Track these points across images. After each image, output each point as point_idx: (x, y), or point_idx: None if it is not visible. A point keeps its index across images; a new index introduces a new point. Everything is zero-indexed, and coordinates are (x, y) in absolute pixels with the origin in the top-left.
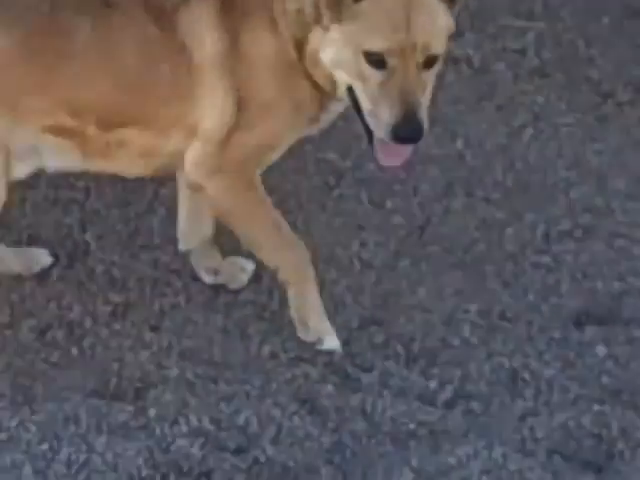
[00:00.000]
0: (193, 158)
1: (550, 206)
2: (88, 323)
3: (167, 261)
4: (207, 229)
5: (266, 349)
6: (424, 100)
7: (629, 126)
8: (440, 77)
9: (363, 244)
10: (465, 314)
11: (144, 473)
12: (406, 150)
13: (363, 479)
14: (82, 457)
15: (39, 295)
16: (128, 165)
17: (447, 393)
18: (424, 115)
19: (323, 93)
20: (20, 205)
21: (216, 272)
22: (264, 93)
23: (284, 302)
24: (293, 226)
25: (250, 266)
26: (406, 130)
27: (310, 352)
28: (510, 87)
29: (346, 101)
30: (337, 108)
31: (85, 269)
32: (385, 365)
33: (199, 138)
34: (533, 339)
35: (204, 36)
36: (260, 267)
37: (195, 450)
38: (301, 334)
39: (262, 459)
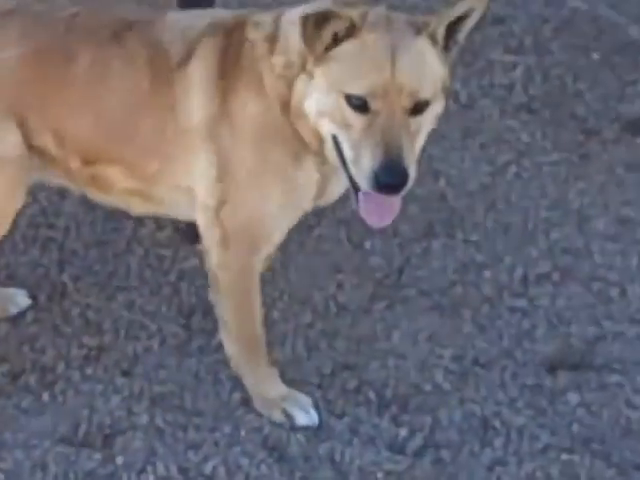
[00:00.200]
0: (201, 220)
1: (530, 248)
2: (61, 367)
3: (142, 303)
4: None
5: (237, 396)
6: (411, 146)
7: (613, 165)
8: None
9: (340, 286)
10: (439, 359)
11: None
12: (391, 206)
13: None
14: None
15: (13, 338)
16: (125, 202)
17: (417, 441)
18: (410, 162)
19: (321, 161)
20: None
21: None
22: (245, 161)
23: None
24: (269, 266)
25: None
26: (388, 176)
27: None
28: (496, 123)
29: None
30: (340, 189)
31: (61, 311)
32: (356, 412)
33: (197, 204)
34: (506, 385)
35: (193, 99)
36: None
37: None
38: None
39: None
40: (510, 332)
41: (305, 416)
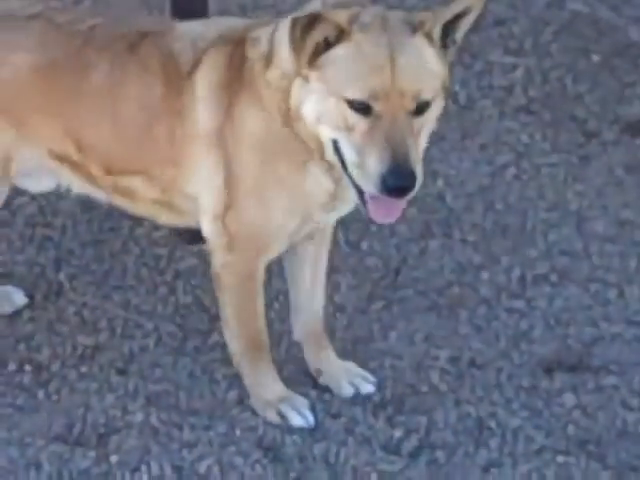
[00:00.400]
0: (206, 226)
1: (528, 249)
2: (56, 366)
3: (138, 302)
4: None
5: (232, 395)
6: (416, 148)
7: (612, 166)
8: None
9: (336, 287)
10: (435, 360)
11: None
12: (399, 203)
13: None
14: None
15: (9, 335)
16: (151, 212)
17: (412, 442)
18: (416, 164)
19: (328, 166)
20: None
21: None
22: (249, 172)
23: None
24: (267, 267)
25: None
26: (396, 179)
27: None
28: (495, 125)
29: None
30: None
31: (57, 310)
32: (352, 412)
33: (202, 210)
34: (502, 387)
35: (199, 107)
36: None
37: None
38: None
39: None
40: (507, 333)
41: (301, 418)
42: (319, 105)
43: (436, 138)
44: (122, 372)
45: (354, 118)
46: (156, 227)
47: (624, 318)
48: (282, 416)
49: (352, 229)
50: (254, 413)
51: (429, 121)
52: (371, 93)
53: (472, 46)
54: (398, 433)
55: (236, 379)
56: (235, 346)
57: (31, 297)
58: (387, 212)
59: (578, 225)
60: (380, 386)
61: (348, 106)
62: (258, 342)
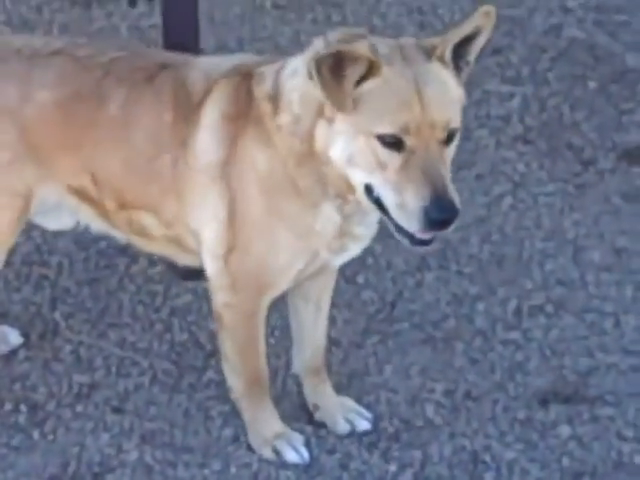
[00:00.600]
0: (209, 264)
1: (524, 279)
2: (52, 405)
3: (134, 340)
4: None
5: (227, 432)
6: (450, 178)
7: (609, 194)
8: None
9: (332, 321)
10: (430, 393)
11: None
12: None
13: None
14: None
15: (5, 375)
16: (167, 251)
17: (407, 476)
18: (455, 194)
19: (342, 203)
20: None
21: None
22: (254, 211)
23: None
24: None
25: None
26: (439, 213)
27: None
28: (491, 154)
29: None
30: (363, 229)
31: (53, 349)
32: (347, 447)
33: (204, 247)
34: (497, 419)
35: (203, 140)
36: None
37: None
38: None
39: None
40: (503, 365)
41: (295, 454)
42: (349, 146)
43: None
44: (117, 410)
45: (386, 155)
46: (152, 264)
47: (620, 348)
48: (277, 452)
49: (349, 263)
50: (249, 450)
51: (453, 148)
52: (402, 127)
53: (469, 75)
54: (393, 468)
55: (231, 416)
56: (235, 382)
57: (27, 336)
58: (429, 234)
59: (574, 254)
60: (375, 420)
61: (379, 143)
62: (258, 379)
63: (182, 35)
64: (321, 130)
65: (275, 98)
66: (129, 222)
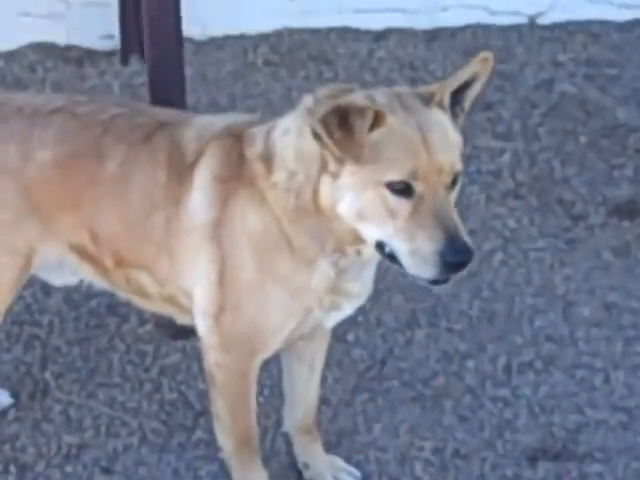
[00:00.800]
0: (200, 323)
1: (514, 335)
2: (41, 466)
3: (124, 399)
4: None
5: None
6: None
7: (599, 250)
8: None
9: (322, 379)
10: (419, 451)
11: None
12: None
13: None
14: None
15: None
16: (166, 310)
17: None
18: (467, 235)
19: (339, 257)
20: None
21: None
22: (246, 272)
23: None
24: None
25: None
26: (455, 255)
27: None
28: (482, 211)
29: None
30: (357, 286)
31: (42, 409)
32: None
33: (195, 307)
34: (485, 477)
35: (195, 200)
36: None
37: None
38: None
39: None
40: (492, 422)
41: None
42: (358, 199)
43: None
44: (106, 471)
45: (396, 202)
46: (142, 323)
47: (609, 404)
48: None
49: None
50: None
51: (457, 190)
52: (411, 172)
53: (460, 132)
54: None
55: (220, 475)
56: (225, 441)
57: (17, 396)
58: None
59: (565, 310)
60: (365, 479)
61: (389, 191)
62: (249, 438)
63: (169, 92)
64: (326, 186)
65: (267, 158)
66: (127, 280)
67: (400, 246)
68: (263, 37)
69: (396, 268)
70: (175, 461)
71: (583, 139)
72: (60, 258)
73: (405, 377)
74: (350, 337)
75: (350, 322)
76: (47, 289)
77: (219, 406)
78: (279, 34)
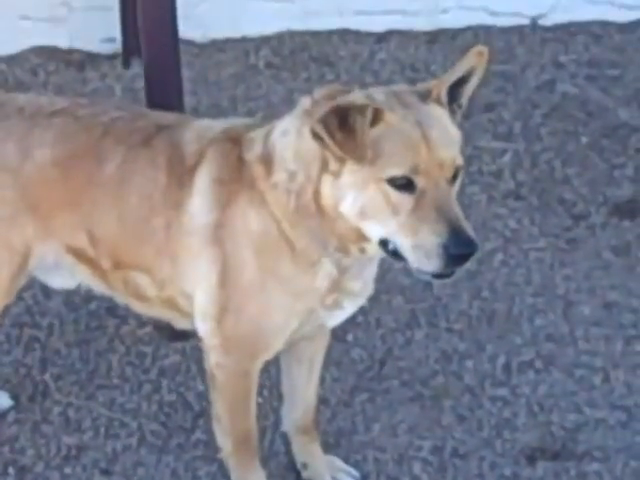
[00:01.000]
0: (201, 325)
1: (513, 335)
2: (40, 467)
3: (123, 401)
4: None
5: None
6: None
7: (599, 249)
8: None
9: (321, 380)
10: (418, 451)
11: None
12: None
13: None
14: None
15: None
16: (165, 314)
17: None
18: (470, 227)
19: (342, 256)
20: None
21: None
22: (247, 273)
23: None
24: None
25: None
26: (458, 246)
27: None
28: (483, 211)
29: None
30: (359, 284)
31: (42, 411)
32: None
33: (197, 309)
34: (484, 476)
35: (195, 203)
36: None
37: None
38: None
39: None
40: (490, 422)
41: None
42: (360, 197)
43: None
44: (105, 472)
45: (398, 198)
46: (141, 325)
47: (609, 403)
48: None
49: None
50: None
51: (458, 185)
52: (412, 167)
53: (462, 132)
54: None
55: (218, 476)
56: (224, 441)
57: (16, 398)
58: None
59: (565, 309)
60: (363, 479)
61: (390, 186)
62: (248, 439)
63: (166, 95)
64: (327, 186)
65: (267, 160)
66: (125, 282)
67: (403, 241)
68: (264, 40)
69: (397, 267)
70: (174, 462)
71: (584, 139)
72: (57, 259)
73: (404, 377)
74: (349, 337)
75: (349, 322)
76: (47, 292)
77: (219, 407)
78: (280, 36)
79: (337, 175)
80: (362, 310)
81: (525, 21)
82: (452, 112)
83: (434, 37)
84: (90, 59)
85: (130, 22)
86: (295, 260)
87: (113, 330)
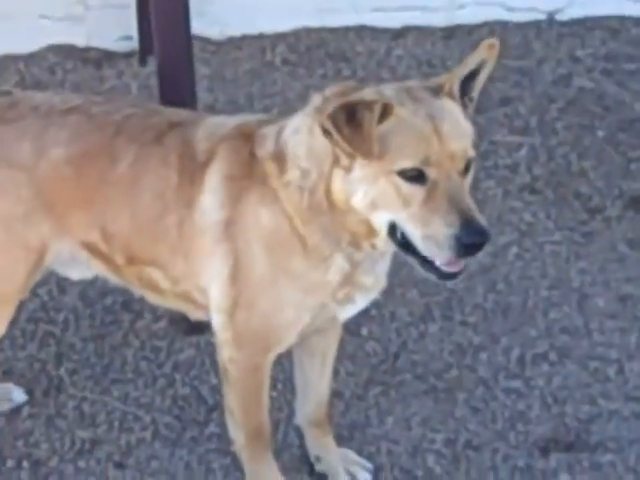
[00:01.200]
0: (215, 319)
1: (528, 328)
2: (54, 461)
3: (137, 395)
4: None
5: None
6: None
7: (615, 242)
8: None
9: (335, 373)
10: (431, 444)
11: None
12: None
13: None
14: None
15: (8, 433)
16: (180, 306)
17: None
18: (482, 217)
19: (354, 251)
20: None
21: None
22: (259, 269)
23: None
24: None
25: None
26: (471, 236)
27: None
28: (499, 204)
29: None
30: (371, 279)
31: (56, 405)
32: None
33: (211, 304)
34: (497, 468)
35: (207, 200)
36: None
37: None
38: None
39: None
40: (504, 414)
41: None
42: (371, 190)
43: None
44: (119, 466)
45: (410, 189)
46: (156, 319)
47: (623, 394)
48: None
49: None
50: None
51: (470, 178)
52: (423, 159)
53: (477, 127)
54: None
55: (232, 469)
56: (237, 434)
57: (31, 393)
58: (458, 264)
59: (579, 302)
60: (376, 472)
61: (402, 179)
62: (260, 432)
63: (179, 93)
64: (339, 180)
65: (279, 157)
66: (139, 277)
67: (413, 230)
68: (281, 36)
69: (410, 262)
70: (187, 455)
71: (600, 133)
72: (73, 254)
73: (418, 370)
74: (364, 331)
75: (364, 316)
76: (63, 287)
77: (231, 400)
78: (297, 33)
79: (348, 170)
80: (376, 304)
81: (542, 16)
82: (464, 105)
83: (451, 33)
84: (107, 57)
85: (146, 20)
86: (307, 256)
87: (128, 325)
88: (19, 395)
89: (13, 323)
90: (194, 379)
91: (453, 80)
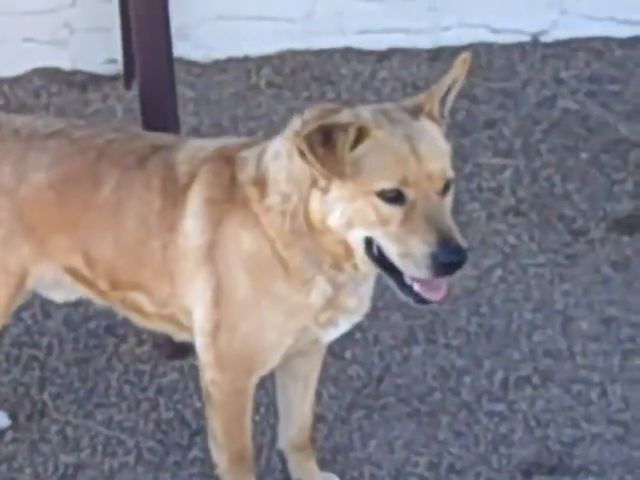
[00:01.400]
0: (198, 341)
1: (511, 351)
2: None
3: (121, 419)
4: None
5: None
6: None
7: (599, 264)
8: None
9: (318, 396)
10: (414, 467)
11: None
12: (444, 282)
13: None
14: None
15: None
16: (166, 329)
17: None
18: (460, 236)
19: (336, 273)
20: None
21: None
22: (240, 292)
23: None
24: None
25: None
26: (448, 255)
27: None
28: (482, 227)
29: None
30: (354, 301)
31: (40, 430)
32: None
33: (194, 326)
34: None
35: (189, 223)
36: None
37: None
38: None
39: None
40: (487, 437)
41: None
42: (348, 210)
43: None
44: None
45: (388, 209)
46: (140, 343)
47: (606, 418)
48: None
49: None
50: None
51: (450, 199)
52: (401, 180)
53: (462, 149)
54: None
55: None
56: (220, 458)
57: (15, 417)
58: (438, 290)
59: (563, 325)
60: None
61: (381, 199)
62: (243, 456)
63: (161, 116)
64: (316, 201)
65: (260, 182)
66: (122, 301)
67: (390, 247)
68: (266, 59)
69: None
70: (171, 479)
71: (584, 155)
72: (56, 278)
73: (401, 393)
74: (347, 354)
75: (347, 339)
76: (47, 311)
77: (214, 423)
78: (282, 56)
79: (325, 191)
80: (360, 327)
81: (526, 38)
82: (439, 126)
83: (436, 55)
84: (92, 80)
85: (131, 43)
86: (289, 279)
87: (112, 349)
88: (2, 419)
89: None
90: (177, 403)
91: (433, 100)
